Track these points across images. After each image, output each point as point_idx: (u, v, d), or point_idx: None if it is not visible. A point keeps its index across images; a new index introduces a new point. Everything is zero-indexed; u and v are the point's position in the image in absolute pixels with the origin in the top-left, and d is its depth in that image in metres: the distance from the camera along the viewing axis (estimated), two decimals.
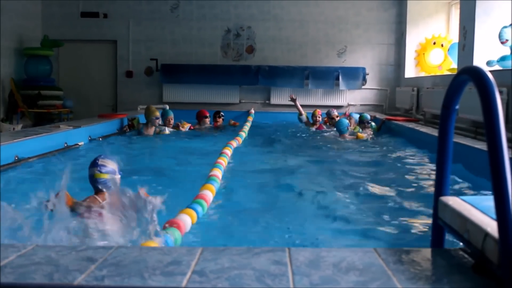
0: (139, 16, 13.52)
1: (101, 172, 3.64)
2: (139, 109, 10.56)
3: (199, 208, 3.67)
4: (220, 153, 6.29)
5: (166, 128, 9.53)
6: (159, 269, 1.71)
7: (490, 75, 1.70)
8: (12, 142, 5.67)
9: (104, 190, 3.63)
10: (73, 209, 3.38)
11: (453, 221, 1.96)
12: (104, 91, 13.71)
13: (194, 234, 3.37)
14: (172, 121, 9.96)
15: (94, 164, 3.66)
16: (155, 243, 2.73)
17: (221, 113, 10.96)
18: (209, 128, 10.50)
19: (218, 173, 4.98)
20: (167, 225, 3.15)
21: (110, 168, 3.68)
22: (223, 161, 5.77)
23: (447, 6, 12.46)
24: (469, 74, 1.84)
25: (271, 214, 3.98)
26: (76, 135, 7.51)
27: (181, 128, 9.98)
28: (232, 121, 11.15)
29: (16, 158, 5.62)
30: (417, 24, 12.71)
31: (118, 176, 3.68)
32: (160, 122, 9.79)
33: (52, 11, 13.46)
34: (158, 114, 9.55)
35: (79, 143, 7.35)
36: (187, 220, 3.34)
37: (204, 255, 1.85)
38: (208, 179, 4.63)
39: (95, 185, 3.66)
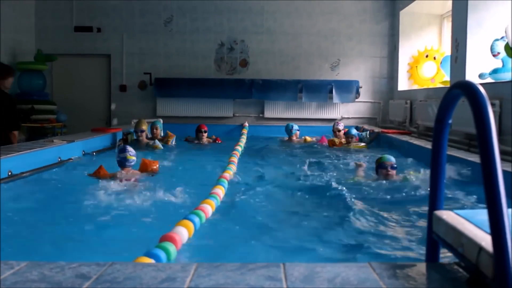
0: (132, 30, 13.57)
1: (131, 155, 6.04)
2: (132, 123, 10.55)
3: (196, 219, 3.67)
4: (224, 169, 6.39)
5: (156, 141, 9.45)
6: (154, 286, 1.70)
7: (482, 89, 1.71)
8: (6, 157, 5.64)
9: (129, 167, 6.07)
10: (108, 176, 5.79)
11: (447, 235, 1.96)
12: (98, 105, 13.71)
13: (188, 250, 3.36)
14: (156, 131, 10.01)
15: (125, 150, 6.07)
16: (148, 259, 2.72)
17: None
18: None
19: (220, 190, 4.97)
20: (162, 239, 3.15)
21: (135, 152, 6.14)
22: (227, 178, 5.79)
23: (439, 19, 12.55)
24: (461, 89, 1.85)
25: (265, 229, 3.97)
26: (70, 150, 7.48)
27: (168, 140, 9.95)
28: (214, 137, 11.06)
29: (10, 173, 5.59)
30: (410, 37, 12.80)
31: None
32: (148, 135, 9.85)
33: (45, 25, 13.49)
34: (143, 127, 9.56)
35: (73, 158, 7.32)
36: (183, 233, 3.33)
37: (199, 271, 1.84)
38: (209, 195, 4.64)
39: (125, 164, 6.03)
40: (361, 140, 10.48)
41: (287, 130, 11.27)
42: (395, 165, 6.09)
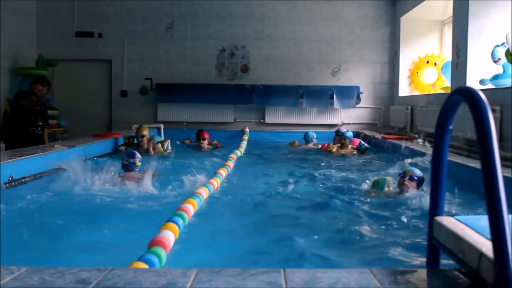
0: (133, 36, 13.59)
1: (139, 161, 6.34)
2: (133, 128, 10.54)
3: (180, 221, 3.70)
4: (215, 173, 6.37)
5: (159, 144, 9.48)
6: None
7: (482, 95, 1.71)
8: (7, 162, 5.63)
9: (135, 170, 6.28)
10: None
11: (448, 241, 1.96)
12: (99, 110, 13.72)
13: (188, 255, 3.36)
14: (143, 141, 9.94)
15: (134, 156, 6.35)
16: (143, 264, 2.73)
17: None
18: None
19: (203, 191, 5.08)
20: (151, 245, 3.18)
21: (140, 158, 6.42)
22: (216, 181, 5.84)
23: (440, 25, 12.56)
24: (462, 94, 1.85)
25: (266, 234, 3.97)
26: (71, 155, 7.46)
27: (163, 144, 9.87)
28: (215, 142, 11.02)
29: (10, 178, 5.59)
30: (411, 43, 12.82)
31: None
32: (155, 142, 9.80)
33: (47, 31, 13.51)
34: (144, 132, 9.50)
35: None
36: (170, 236, 3.36)
37: (199, 277, 1.84)
38: (192, 194, 4.74)
39: (132, 168, 6.27)
40: (358, 148, 10.43)
41: (307, 138, 11.17)
42: (415, 178, 5.44)
